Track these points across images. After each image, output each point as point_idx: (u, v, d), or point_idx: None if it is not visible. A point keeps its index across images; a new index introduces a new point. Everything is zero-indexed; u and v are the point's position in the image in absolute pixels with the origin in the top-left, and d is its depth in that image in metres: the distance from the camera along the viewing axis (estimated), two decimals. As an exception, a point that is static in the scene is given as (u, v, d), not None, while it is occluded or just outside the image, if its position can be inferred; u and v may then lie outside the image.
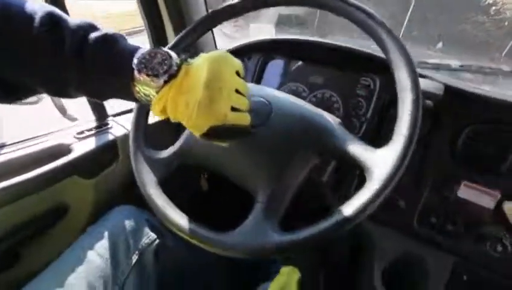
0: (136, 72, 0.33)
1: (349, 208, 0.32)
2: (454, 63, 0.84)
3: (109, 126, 0.67)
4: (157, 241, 0.57)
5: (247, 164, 0.42)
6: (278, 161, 0.40)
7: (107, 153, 0.64)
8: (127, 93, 0.35)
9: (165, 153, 0.47)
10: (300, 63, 0.71)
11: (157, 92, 0.33)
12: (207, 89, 0.32)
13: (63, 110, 0.69)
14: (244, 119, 0.36)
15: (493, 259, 0.52)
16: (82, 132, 0.62)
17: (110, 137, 0.65)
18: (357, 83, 0.64)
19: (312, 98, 0.70)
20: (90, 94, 0.37)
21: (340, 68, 0.67)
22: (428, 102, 0.52)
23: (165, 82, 0.33)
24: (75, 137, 0.61)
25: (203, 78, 0.32)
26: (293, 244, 0.33)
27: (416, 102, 0.35)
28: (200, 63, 0.34)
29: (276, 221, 0.37)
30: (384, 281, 0.60)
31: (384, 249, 0.60)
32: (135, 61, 0.33)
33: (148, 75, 0.32)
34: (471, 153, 0.54)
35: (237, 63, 0.36)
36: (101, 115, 0.69)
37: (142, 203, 0.46)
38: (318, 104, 0.68)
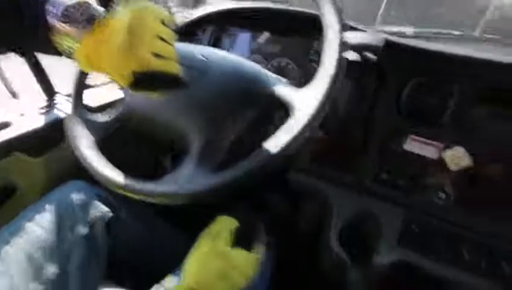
0: (56, 23, 0.32)
1: (269, 147, 0.32)
2: (409, 30, 0.85)
3: (57, 104, 0.65)
4: (109, 215, 0.55)
5: (184, 118, 0.41)
6: (213, 113, 0.40)
7: (55, 131, 0.62)
8: (49, 46, 0.34)
9: (104, 115, 0.46)
10: (263, 34, 0.71)
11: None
12: (128, 35, 0.32)
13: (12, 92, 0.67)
14: (171, 67, 0.35)
15: (438, 207, 0.53)
16: (26, 110, 0.60)
17: (58, 115, 0.63)
18: (310, 48, 0.64)
19: (270, 67, 0.69)
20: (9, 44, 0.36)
21: (293, 34, 0.67)
22: (371, 55, 0.52)
23: (87, 32, 0.32)
24: (19, 115, 0.59)
25: (124, 25, 0.32)
26: (221, 185, 0.32)
27: (337, 40, 0.35)
28: (123, 12, 0.33)
29: (209, 167, 0.37)
30: (341, 242, 0.60)
31: (339, 209, 0.61)
32: (56, 12, 0.32)
33: (69, 26, 0.32)
34: (415, 106, 0.54)
35: (162, 12, 0.35)
36: (49, 93, 0.67)
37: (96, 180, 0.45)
38: (276, 73, 0.68)
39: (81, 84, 0.47)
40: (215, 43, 0.75)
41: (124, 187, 0.37)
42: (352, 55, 0.52)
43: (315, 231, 0.68)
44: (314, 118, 0.33)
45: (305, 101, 0.34)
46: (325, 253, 0.64)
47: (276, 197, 0.82)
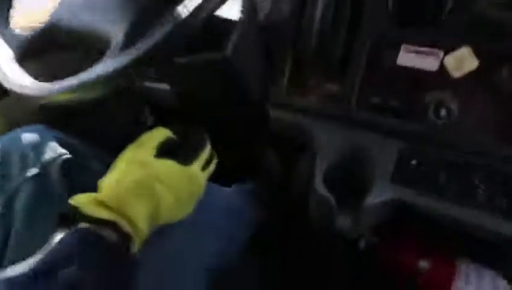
0: None
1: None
2: None
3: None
4: (66, 156, 0.51)
5: (100, 13, 0.34)
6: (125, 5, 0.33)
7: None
8: None
9: (28, 31, 0.40)
10: None
11: None
12: None
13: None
14: None
15: (438, 130, 0.44)
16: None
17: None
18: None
19: None
20: None
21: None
22: None
23: None
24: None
25: None
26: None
27: None
28: None
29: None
30: (327, 183, 0.52)
31: (324, 145, 0.52)
32: None
33: None
34: (407, 7, 0.44)
35: None
36: None
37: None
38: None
39: None
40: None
41: (30, 89, 0.31)
42: None
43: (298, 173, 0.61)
44: None
45: None
46: (311, 198, 0.56)
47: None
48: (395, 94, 0.47)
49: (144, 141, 0.35)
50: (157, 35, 0.26)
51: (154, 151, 0.35)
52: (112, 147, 0.42)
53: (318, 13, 0.48)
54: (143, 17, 0.32)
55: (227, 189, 0.65)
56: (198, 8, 0.24)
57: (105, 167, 0.56)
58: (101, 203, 0.31)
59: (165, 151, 0.36)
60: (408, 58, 0.45)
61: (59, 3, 0.40)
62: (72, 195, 0.50)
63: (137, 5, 0.33)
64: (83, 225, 0.30)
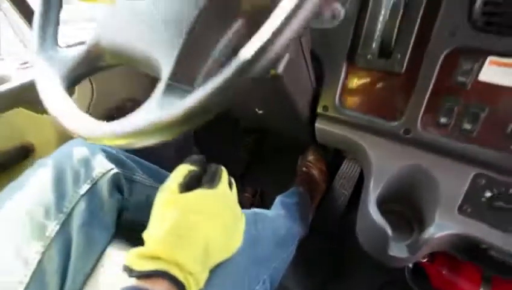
0: None
1: (249, 48, 0.22)
2: None
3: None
4: (114, 171, 0.52)
5: (147, 38, 0.32)
6: (180, 25, 0.30)
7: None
8: None
9: (72, 50, 0.39)
10: None
11: None
12: None
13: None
14: None
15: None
16: (26, 63, 0.57)
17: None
18: None
19: None
20: None
21: None
22: None
23: None
24: (17, 68, 0.56)
25: None
26: (194, 110, 0.23)
27: None
28: None
29: (176, 95, 0.28)
30: (381, 208, 0.48)
31: (379, 165, 0.47)
32: None
33: None
34: (499, 6, 0.36)
35: None
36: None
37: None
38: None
39: (46, 15, 0.40)
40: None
41: (77, 129, 0.30)
42: None
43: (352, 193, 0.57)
44: (298, 8, 0.20)
45: None
46: (362, 221, 0.52)
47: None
48: (470, 115, 0.40)
49: (170, 182, 0.35)
50: (208, 88, 0.22)
51: (181, 188, 0.34)
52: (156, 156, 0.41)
53: (382, 18, 0.41)
54: (196, 45, 0.29)
55: (273, 214, 0.65)
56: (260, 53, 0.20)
57: (148, 177, 0.57)
58: (149, 256, 0.31)
59: (191, 184, 0.36)
60: (493, 73, 0.37)
61: (102, 20, 0.38)
62: (120, 206, 0.53)
63: (188, 29, 0.29)
64: (133, 281, 0.30)
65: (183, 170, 0.36)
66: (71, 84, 0.39)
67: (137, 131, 0.26)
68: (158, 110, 0.26)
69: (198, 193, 0.34)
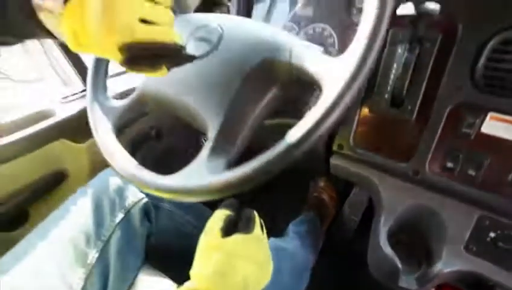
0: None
1: (296, 132, 0.26)
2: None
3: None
4: (145, 200, 0.56)
5: (195, 97, 0.37)
6: (226, 91, 0.35)
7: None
8: (39, 29, 0.29)
9: (120, 101, 0.44)
10: None
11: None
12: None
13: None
14: (165, 35, 0.29)
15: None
16: (67, 97, 0.63)
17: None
18: (351, 7, 0.53)
19: (303, 34, 0.60)
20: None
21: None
22: (432, 5, 0.40)
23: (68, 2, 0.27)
24: (60, 102, 0.62)
25: None
26: (242, 179, 0.27)
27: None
28: None
29: (224, 160, 0.33)
30: (392, 242, 0.52)
31: (391, 202, 0.52)
32: None
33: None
34: (498, 72, 0.41)
35: None
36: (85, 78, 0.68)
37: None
38: (310, 41, 0.59)
39: (98, 69, 0.45)
40: (247, 11, 0.68)
41: (133, 178, 0.35)
42: (406, 8, 0.40)
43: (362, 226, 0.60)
44: (345, 97, 0.26)
45: (333, 74, 0.27)
46: (373, 252, 0.56)
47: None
48: (474, 162, 0.44)
49: (211, 227, 0.39)
50: (251, 168, 0.27)
51: (221, 233, 0.38)
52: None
53: (394, 71, 0.46)
54: (238, 110, 0.34)
55: (289, 246, 0.68)
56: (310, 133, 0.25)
57: (168, 202, 0.61)
58: None
59: (229, 228, 0.40)
60: (495, 127, 0.42)
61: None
62: (155, 237, 0.57)
63: (232, 94, 0.34)
64: None
65: (221, 215, 0.40)
66: (122, 128, 0.44)
67: (189, 190, 0.30)
68: (207, 174, 0.30)
69: (239, 238, 0.38)
